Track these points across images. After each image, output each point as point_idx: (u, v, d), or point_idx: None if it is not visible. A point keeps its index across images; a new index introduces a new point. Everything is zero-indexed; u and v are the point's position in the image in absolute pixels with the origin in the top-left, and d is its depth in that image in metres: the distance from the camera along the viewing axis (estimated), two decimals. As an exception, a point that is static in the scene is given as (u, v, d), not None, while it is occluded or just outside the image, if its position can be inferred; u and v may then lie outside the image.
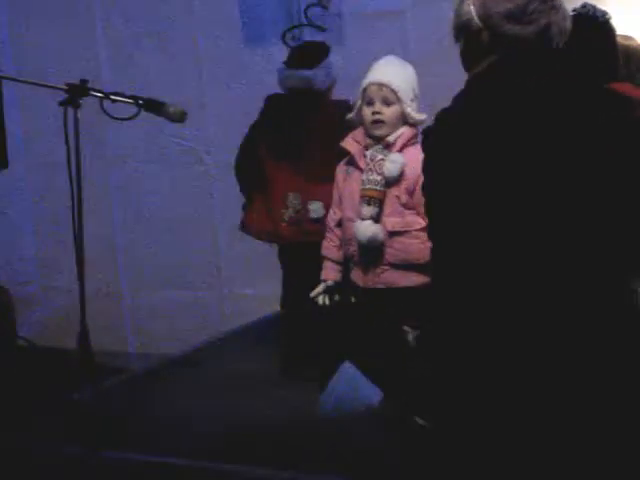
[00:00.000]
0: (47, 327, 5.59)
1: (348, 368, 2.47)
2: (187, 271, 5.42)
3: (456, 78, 4.41)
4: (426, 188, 2.21)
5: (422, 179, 2.26)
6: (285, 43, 4.48)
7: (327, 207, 3.88)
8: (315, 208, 3.99)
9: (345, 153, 3.73)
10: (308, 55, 4.16)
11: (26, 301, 5.63)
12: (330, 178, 3.84)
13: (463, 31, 2.24)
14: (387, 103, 3.45)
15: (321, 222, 3.92)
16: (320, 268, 3.72)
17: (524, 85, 2.08)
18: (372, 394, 2.34)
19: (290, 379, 4.15)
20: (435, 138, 2.16)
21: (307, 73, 4.07)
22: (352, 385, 2.43)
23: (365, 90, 3.48)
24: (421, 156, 3.37)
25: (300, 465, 3.25)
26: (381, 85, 3.45)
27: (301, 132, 4.07)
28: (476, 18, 2.18)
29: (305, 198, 4.02)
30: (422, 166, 2.23)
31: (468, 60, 2.26)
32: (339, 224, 3.58)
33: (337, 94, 4.23)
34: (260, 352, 4.55)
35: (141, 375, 4.58)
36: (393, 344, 3.39)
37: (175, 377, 4.36)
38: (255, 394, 4.05)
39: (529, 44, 2.12)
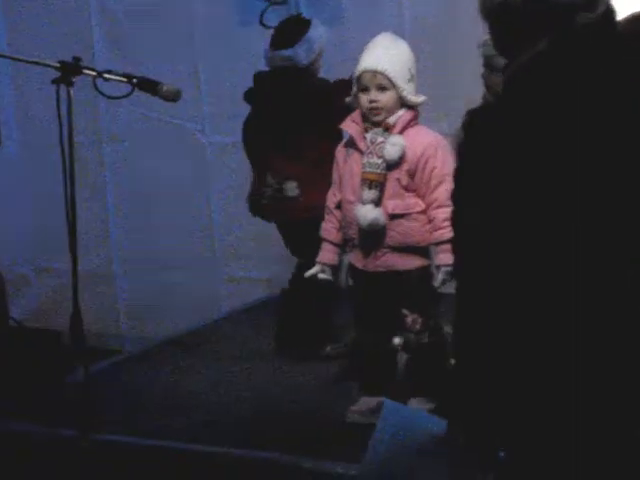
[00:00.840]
0: (40, 309, 5.57)
1: (392, 406, 2.31)
2: (182, 253, 5.40)
3: (454, 54, 4.42)
4: (467, 187, 2.01)
5: (450, 174, 2.09)
6: (263, 25, 4.46)
7: (303, 186, 4.02)
8: (289, 187, 4.07)
9: (324, 131, 3.83)
10: (288, 33, 4.20)
11: (19, 283, 5.61)
12: (309, 156, 3.99)
13: (499, 13, 2.02)
14: (382, 89, 3.40)
15: (296, 200, 4.06)
16: (314, 245, 3.69)
17: (598, 65, 1.92)
18: (432, 424, 2.16)
19: (284, 354, 4.21)
20: (498, 130, 1.96)
21: (287, 52, 4.12)
22: (404, 421, 2.26)
23: (360, 77, 3.43)
24: (426, 138, 3.39)
25: (301, 449, 3.25)
26: (375, 72, 3.40)
27: (282, 111, 4.12)
28: None
29: (282, 177, 4.10)
30: (463, 157, 2.04)
31: (510, 44, 2.04)
32: (339, 206, 3.54)
33: (336, 72, 4.22)
34: (257, 334, 4.54)
35: (135, 357, 4.56)
36: (391, 327, 3.38)
37: (169, 360, 4.35)
38: (251, 376, 4.05)
39: (577, 12, 1.93)
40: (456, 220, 2.06)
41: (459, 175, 2.04)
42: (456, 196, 2.05)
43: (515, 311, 1.92)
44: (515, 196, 1.91)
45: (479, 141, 1.98)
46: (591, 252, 1.87)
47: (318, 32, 4.19)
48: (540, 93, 1.93)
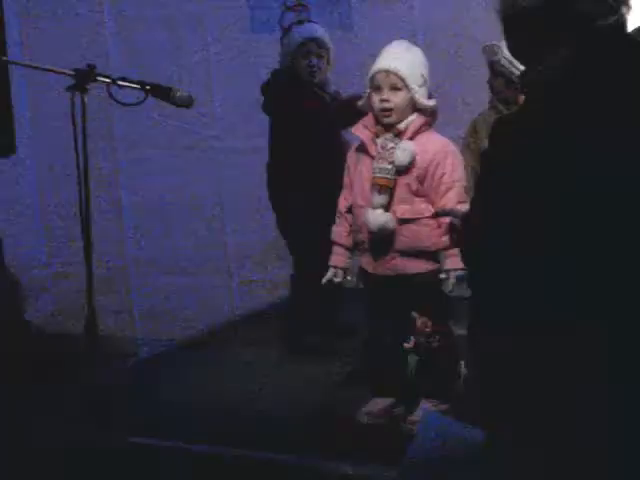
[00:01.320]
0: (56, 313, 5.60)
1: (432, 415, 2.32)
2: (195, 256, 5.42)
3: (462, 59, 4.44)
4: (492, 194, 1.99)
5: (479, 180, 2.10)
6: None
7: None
8: None
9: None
10: None
11: (35, 286, 5.64)
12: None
13: (521, 22, 2.01)
14: (395, 89, 3.42)
15: None
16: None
17: (626, 72, 1.92)
18: (470, 434, 2.16)
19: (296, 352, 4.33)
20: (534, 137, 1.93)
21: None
22: (443, 431, 2.26)
23: (373, 77, 3.46)
24: (436, 144, 3.41)
25: (311, 449, 3.28)
26: (388, 72, 3.42)
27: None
28: (539, 2, 1.97)
29: None
30: (490, 164, 2.03)
31: (531, 52, 2.03)
32: (350, 210, 3.57)
33: (345, 81, 4.26)
34: (270, 336, 4.57)
35: (149, 360, 4.60)
36: (401, 330, 3.41)
37: (183, 362, 4.38)
38: (264, 378, 4.07)
39: (597, 19, 1.94)
40: (472, 226, 2.07)
41: (484, 182, 2.04)
42: (477, 204, 2.05)
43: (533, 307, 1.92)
44: (544, 204, 1.90)
45: (509, 149, 1.97)
46: (605, 257, 1.88)
47: (294, 35, 4.29)
48: (572, 100, 1.93)
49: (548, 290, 1.90)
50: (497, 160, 1.99)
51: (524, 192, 1.91)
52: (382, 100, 3.41)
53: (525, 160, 1.92)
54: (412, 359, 3.48)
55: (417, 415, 3.44)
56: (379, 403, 3.54)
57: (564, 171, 1.89)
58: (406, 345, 3.41)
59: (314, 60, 4.28)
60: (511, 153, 1.95)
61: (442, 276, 3.37)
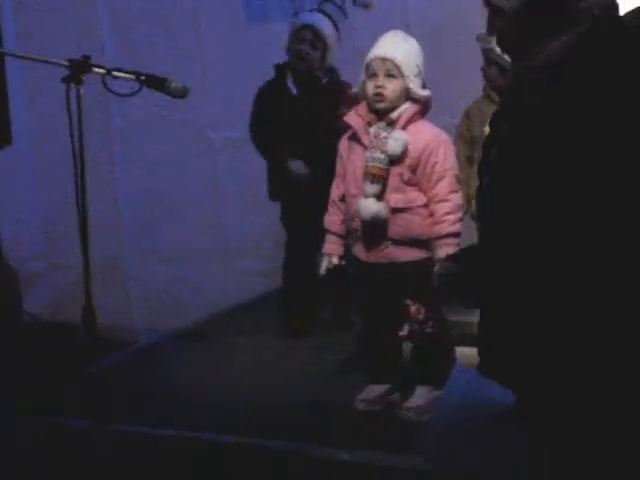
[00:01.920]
0: (54, 303, 5.62)
1: (461, 370, 2.32)
2: (192, 246, 5.44)
3: (456, 48, 4.46)
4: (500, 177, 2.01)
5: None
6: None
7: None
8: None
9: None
10: None
11: (33, 277, 5.66)
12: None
13: (521, 6, 2.03)
14: (390, 76, 3.44)
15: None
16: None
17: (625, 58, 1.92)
18: (498, 393, 2.18)
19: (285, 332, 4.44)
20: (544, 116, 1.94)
21: None
22: (471, 387, 2.27)
23: (369, 64, 3.48)
24: (428, 133, 3.43)
25: (308, 436, 3.30)
26: (385, 59, 3.44)
27: None
28: None
29: None
30: (490, 149, 2.05)
31: (531, 37, 2.03)
32: (343, 198, 3.59)
33: (341, 69, 4.28)
34: (267, 326, 4.59)
35: (147, 349, 4.62)
36: (396, 317, 3.43)
37: (181, 351, 4.41)
38: (261, 366, 4.10)
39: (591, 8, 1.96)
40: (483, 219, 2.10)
41: (486, 165, 2.06)
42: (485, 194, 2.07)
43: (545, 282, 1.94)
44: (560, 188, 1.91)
45: (515, 135, 1.98)
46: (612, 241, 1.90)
47: (294, 22, 4.37)
48: (572, 90, 1.93)
49: (567, 277, 1.92)
50: (503, 150, 2.01)
51: (532, 184, 1.93)
52: (377, 86, 3.43)
53: (530, 150, 1.94)
54: (406, 346, 3.52)
55: (412, 402, 3.49)
56: (375, 390, 3.57)
57: (569, 163, 1.90)
58: (400, 332, 3.43)
59: (305, 47, 4.30)
60: (516, 143, 1.97)
61: (436, 268, 3.39)
